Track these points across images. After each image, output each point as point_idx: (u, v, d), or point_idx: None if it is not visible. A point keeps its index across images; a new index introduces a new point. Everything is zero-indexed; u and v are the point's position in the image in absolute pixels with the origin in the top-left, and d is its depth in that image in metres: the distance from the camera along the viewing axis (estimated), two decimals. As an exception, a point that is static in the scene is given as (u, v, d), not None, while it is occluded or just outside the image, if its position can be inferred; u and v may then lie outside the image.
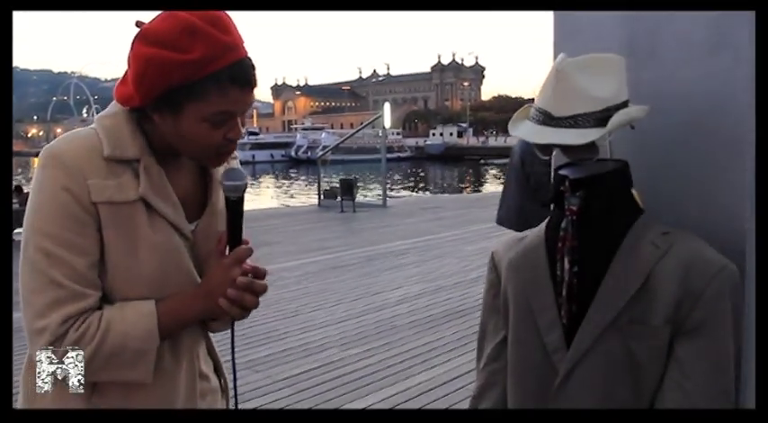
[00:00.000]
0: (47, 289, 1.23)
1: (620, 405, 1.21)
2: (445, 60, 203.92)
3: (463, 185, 41.35)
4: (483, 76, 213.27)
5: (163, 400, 1.36)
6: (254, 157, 75.18)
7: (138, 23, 1.25)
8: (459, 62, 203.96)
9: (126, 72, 1.28)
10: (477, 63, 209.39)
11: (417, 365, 4.89)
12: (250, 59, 1.26)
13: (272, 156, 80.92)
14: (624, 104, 1.25)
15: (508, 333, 1.39)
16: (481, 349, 1.47)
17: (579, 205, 1.25)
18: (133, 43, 1.24)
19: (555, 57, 1.52)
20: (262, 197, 30.93)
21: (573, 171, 1.28)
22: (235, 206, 1.34)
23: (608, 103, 1.23)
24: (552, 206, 1.35)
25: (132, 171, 1.29)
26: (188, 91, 1.21)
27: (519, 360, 1.35)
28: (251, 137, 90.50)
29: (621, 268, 1.22)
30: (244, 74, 1.24)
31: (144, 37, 1.22)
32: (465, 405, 1.47)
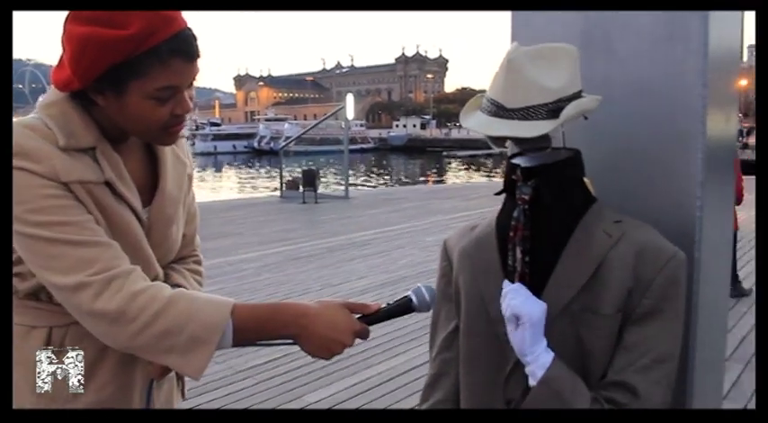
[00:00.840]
0: (66, 251, 1.17)
1: None
2: (409, 52, 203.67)
3: (425, 178, 41.41)
4: (447, 69, 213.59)
5: (121, 388, 1.34)
6: (215, 147, 74.29)
7: None
8: (424, 54, 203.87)
9: (61, 55, 1.23)
10: (441, 55, 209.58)
11: (379, 355, 4.92)
12: (190, 29, 1.22)
13: (234, 147, 79.96)
14: (577, 95, 1.24)
15: (460, 322, 1.39)
16: (434, 338, 1.47)
17: (531, 194, 1.25)
18: (65, 24, 1.19)
19: (512, 47, 1.54)
20: (223, 188, 30.60)
21: (524, 160, 1.28)
22: (406, 311, 1.28)
23: (560, 95, 1.21)
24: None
25: (90, 158, 1.26)
26: (129, 68, 1.17)
27: (470, 349, 1.36)
28: (213, 128, 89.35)
29: (573, 257, 1.23)
30: (186, 45, 1.20)
31: (76, 16, 1.17)
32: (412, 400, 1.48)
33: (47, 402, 1.28)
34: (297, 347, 1.24)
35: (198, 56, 1.23)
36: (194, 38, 1.23)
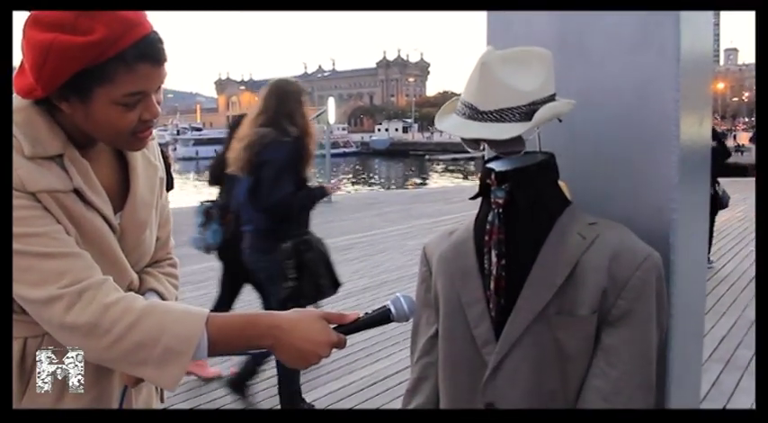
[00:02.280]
0: (35, 264, 1.14)
1: (548, 396, 1.22)
2: (390, 56, 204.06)
3: (408, 182, 41.41)
4: (428, 73, 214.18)
5: (99, 396, 1.33)
6: (197, 152, 73.76)
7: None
8: (405, 58, 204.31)
9: (22, 61, 1.19)
10: (422, 59, 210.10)
11: (361, 360, 4.90)
12: (156, 33, 1.19)
13: (215, 152, 78.93)
14: (551, 98, 1.25)
15: (439, 327, 1.40)
16: (414, 343, 1.47)
17: (505, 198, 1.26)
18: (25, 28, 1.15)
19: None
20: (204, 193, 30.15)
21: (498, 164, 1.29)
22: (384, 321, 1.27)
23: (533, 97, 1.22)
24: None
25: (58, 166, 1.23)
26: (94, 75, 1.14)
27: (449, 353, 1.36)
28: (194, 132, 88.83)
29: (548, 259, 1.24)
30: (152, 50, 1.18)
31: (37, 22, 1.14)
32: (396, 404, 1.48)
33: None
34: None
35: (165, 60, 1.21)
36: (160, 42, 1.20)
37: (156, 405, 1.54)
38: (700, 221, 1.54)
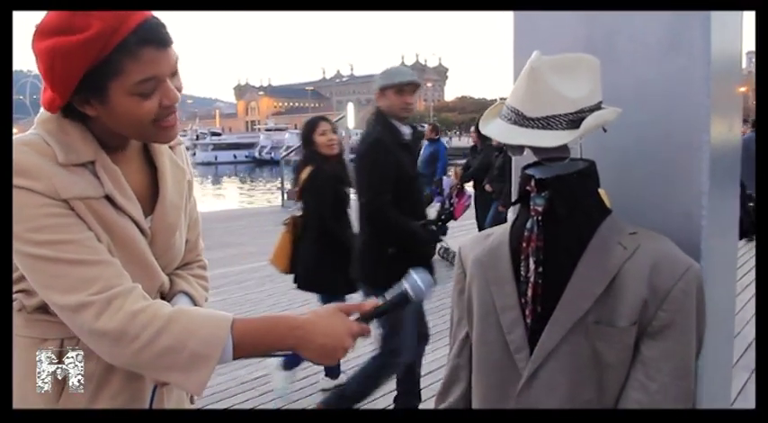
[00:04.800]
0: (68, 271, 1.17)
1: (584, 406, 1.21)
2: (409, 61, 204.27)
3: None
4: (446, 77, 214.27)
5: (132, 396, 1.35)
6: (216, 157, 74.26)
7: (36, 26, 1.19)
8: (423, 63, 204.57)
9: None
10: (440, 64, 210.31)
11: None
12: (156, 18, 1.19)
13: (234, 156, 79.99)
14: (598, 106, 1.23)
15: (471, 330, 1.39)
16: (451, 343, 1.48)
17: (544, 205, 1.25)
18: (32, 45, 1.18)
19: (515, 58, 1.53)
20: (225, 198, 30.57)
21: (539, 171, 1.27)
22: (404, 303, 1.30)
23: (581, 105, 1.20)
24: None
25: (90, 172, 1.25)
26: (103, 70, 1.15)
27: (482, 357, 1.35)
28: (213, 137, 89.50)
29: (588, 268, 1.22)
30: (153, 33, 1.18)
31: (39, 33, 1.16)
32: (429, 403, 1.48)
33: None
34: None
35: (170, 42, 1.21)
36: (162, 26, 1.20)
37: (188, 406, 1.55)
38: (729, 228, 1.52)
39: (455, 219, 8.20)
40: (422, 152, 8.61)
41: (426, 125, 8.32)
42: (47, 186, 1.18)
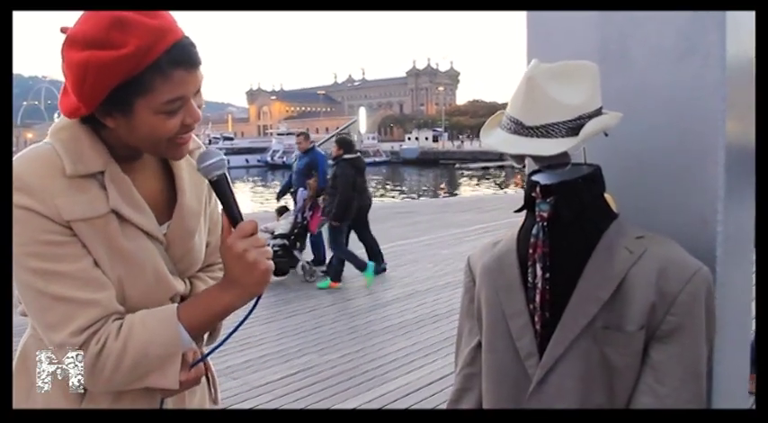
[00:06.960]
0: (52, 306, 1.21)
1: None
2: (420, 65, 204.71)
3: (438, 190, 41.33)
4: (458, 81, 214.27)
5: (152, 400, 1.35)
6: (228, 162, 74.02)
7: (63, 29, 1.20)
8: (435, 67, 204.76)
9: (65, 83, 1.23)
10: (452, 68, 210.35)
11: (393, 371, 4.88)
12: (188, 38, 1.21)
13: (247, 161, 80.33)
14: (597, 112, 1.23)
15: (482, 338, 1.39)
16: (458, 353, 1.47)
17: (550, 211, 1.25)
18: (62, 51, 1.19)
19: (528, 62, 1.52)
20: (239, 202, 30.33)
21: (543, 177, 1.28)
22: (219, 186, 1.32)
23: (581, 111, 1.20)
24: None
25: (98, 183, 1.26)
26: (133, 87, 1.16)
27: (492, 365, 1.35)
28: (226, 142, 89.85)
29: (595, 274, 1.22)
30: (185, 55, 1.19)
31: (73, 42, 1.17)
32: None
33: None
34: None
35: (199, 63, 1.23)
36: (193, 46, 1.22)
37: (209, 407, 1.56)
38: (746, 233, 1.50)
39: (312, 232, 8.20)
40: (296, 164, 8.61)
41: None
42: (49, 208, 1.19)
